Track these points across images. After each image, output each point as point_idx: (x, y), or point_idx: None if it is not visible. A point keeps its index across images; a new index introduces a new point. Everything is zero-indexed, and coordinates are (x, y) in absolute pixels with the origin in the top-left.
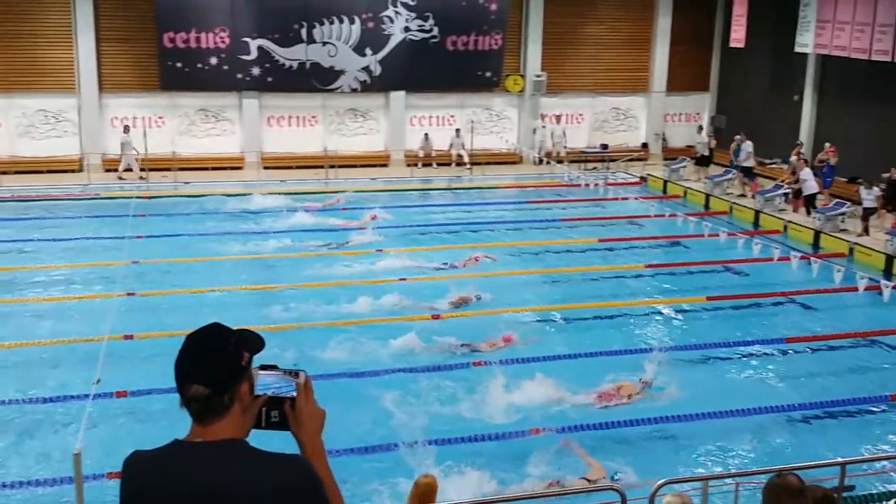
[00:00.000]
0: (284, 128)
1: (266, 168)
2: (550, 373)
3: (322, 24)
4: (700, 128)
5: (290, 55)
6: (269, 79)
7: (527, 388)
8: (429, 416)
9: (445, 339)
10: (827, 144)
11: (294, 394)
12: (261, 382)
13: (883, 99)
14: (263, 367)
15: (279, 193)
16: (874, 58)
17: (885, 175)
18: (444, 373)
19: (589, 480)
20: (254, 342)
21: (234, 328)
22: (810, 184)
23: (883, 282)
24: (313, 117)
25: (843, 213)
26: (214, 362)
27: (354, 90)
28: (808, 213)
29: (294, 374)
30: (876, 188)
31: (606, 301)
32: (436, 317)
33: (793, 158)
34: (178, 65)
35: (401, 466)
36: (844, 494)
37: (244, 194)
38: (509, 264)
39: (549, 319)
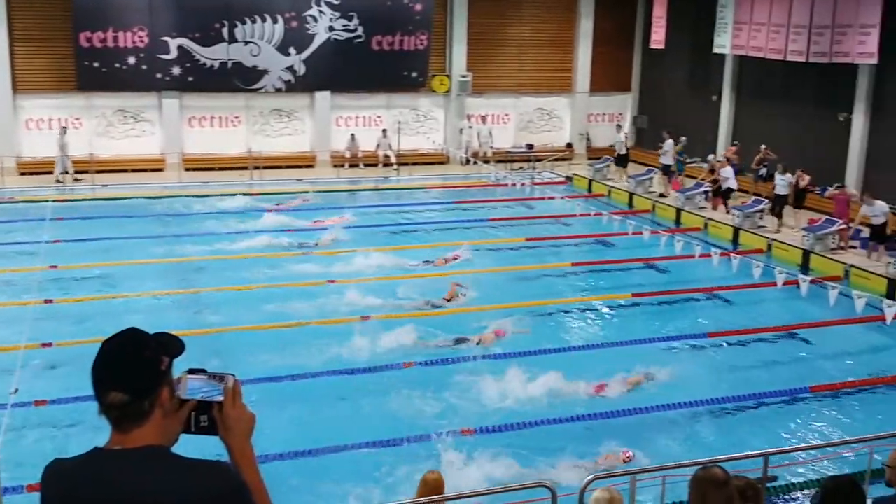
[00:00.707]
0: (206, 128)
1: (188, 170)
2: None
3: (244, 23)
4: (619, 126)
5: (212, 54)
6: (190, 78)
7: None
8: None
9: (438, 334)
10: (763, 146)
11: (221, 398)
12: (189, 386)
13: (798, 98)
14: (191, 371)
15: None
16: (789, 58)
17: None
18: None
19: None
20: (173, 346)
21: (153, 333)
22: (731, 182)
23: (800, 276)
24: (236, 118)
25: (760, 211)
26: (132, 368)
27: (278, 90)
28: (727, 209)
29: (221, 378)
30: (789, 174)
31: (537, 300)
32: (364, 318)
33: (711, 157)
34: (96, 65)
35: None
36: (768, 485)
37: (166, 196)
38: (438, 266)
39: (480, 318)
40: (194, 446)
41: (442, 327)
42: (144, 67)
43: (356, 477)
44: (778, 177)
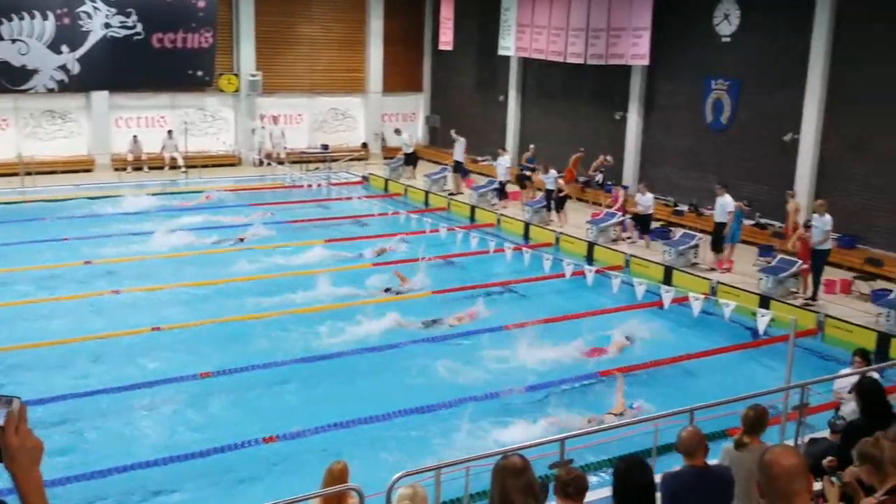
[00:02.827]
0: None
1: None
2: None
3: (10, 19)
4: (397, 131)
5: None
6: None
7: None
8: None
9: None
10: (602, 154)
11: (2, 423)
12: None
13: (578, 98)
14: None
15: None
16: (569, 60)
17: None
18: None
19: (615, 414)
20: None
21: None
22: (500, 171)
23: (586, 267)
24: (3, 120)
25: (546, 207)
26: None
27: (51, 90)
28: (500, 199)
29: (7, 401)
30: (553, 171)
31: (339, 302)
32: (155, 328)
33: (493, 156)
34: None
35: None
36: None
37: None
38: (238, 268)
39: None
40: None
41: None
42: None
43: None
44: (542, 176)
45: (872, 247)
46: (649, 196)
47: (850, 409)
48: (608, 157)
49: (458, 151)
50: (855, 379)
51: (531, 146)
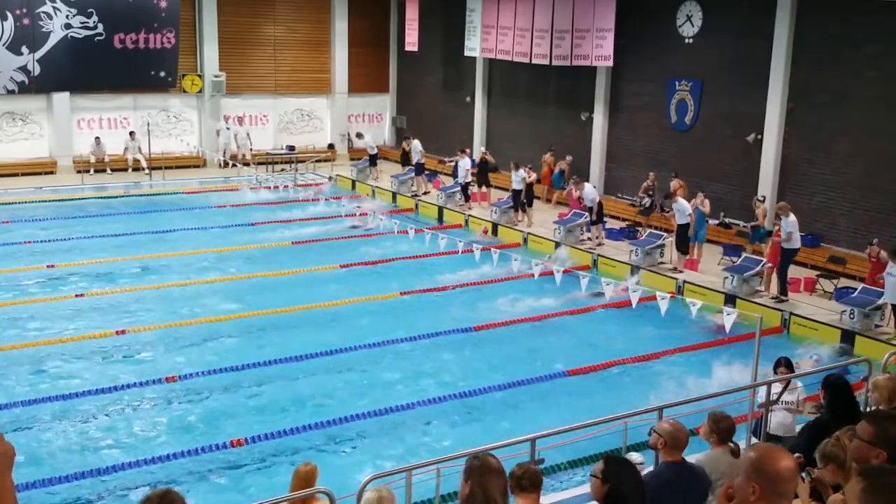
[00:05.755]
0: None
1: None
2: None
3: None
4: (358, 134)
5: None
6: None
7: None
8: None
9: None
10: (651, 174)
11: None
12: None
13: (544, 99)
14: None
15: None
16: (534, 61)
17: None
18: None
19: None
20: None
21: None
22: (460, 172)
23: (554, 267)
24: None
25: (513, 207)
26: None
27: (11, 92)
28: (466, 200)
29: None
30: (522, 170)
31: (310, 304)
32: (120, 332)
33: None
34: None
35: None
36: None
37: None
38: (205, 271)
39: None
40: None
41: None
42: None
43: None
44: (513, 174)
45: (836, 245)
46: (588, 188)
47: (777, 419)
48: (655, 179)
49: (415, 153)
50: (778, 390)
51: (568, 157)
